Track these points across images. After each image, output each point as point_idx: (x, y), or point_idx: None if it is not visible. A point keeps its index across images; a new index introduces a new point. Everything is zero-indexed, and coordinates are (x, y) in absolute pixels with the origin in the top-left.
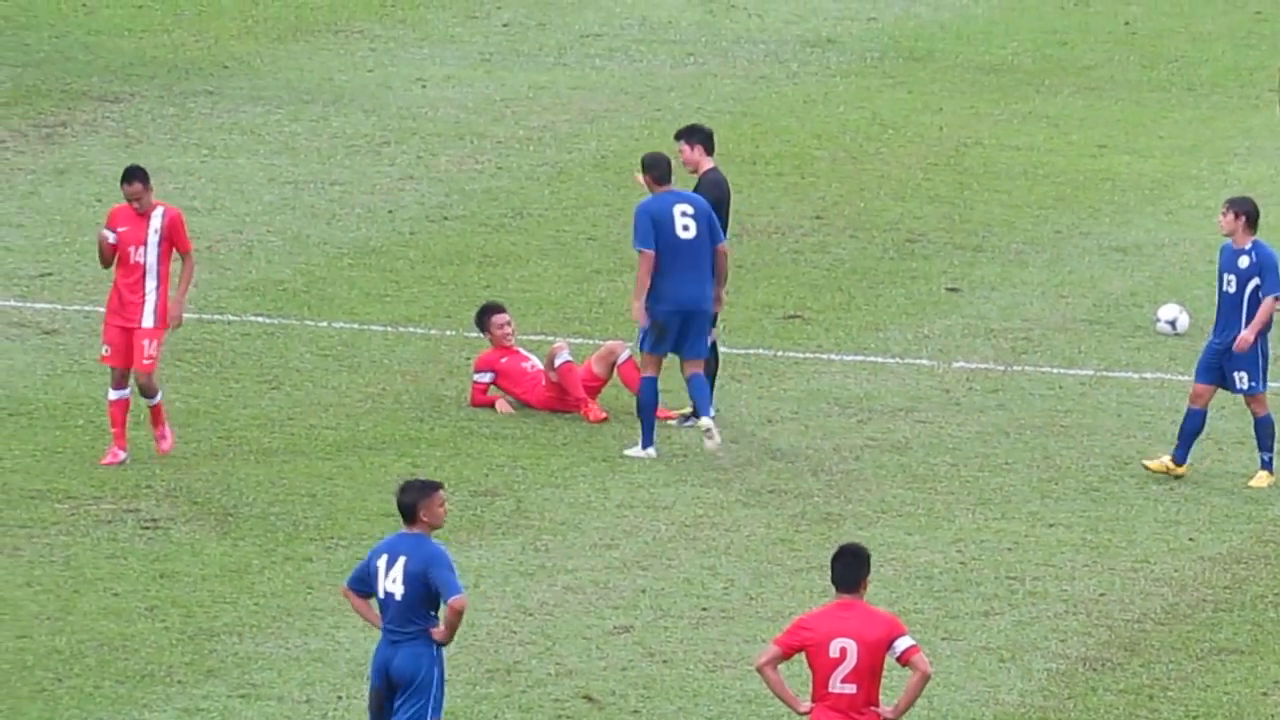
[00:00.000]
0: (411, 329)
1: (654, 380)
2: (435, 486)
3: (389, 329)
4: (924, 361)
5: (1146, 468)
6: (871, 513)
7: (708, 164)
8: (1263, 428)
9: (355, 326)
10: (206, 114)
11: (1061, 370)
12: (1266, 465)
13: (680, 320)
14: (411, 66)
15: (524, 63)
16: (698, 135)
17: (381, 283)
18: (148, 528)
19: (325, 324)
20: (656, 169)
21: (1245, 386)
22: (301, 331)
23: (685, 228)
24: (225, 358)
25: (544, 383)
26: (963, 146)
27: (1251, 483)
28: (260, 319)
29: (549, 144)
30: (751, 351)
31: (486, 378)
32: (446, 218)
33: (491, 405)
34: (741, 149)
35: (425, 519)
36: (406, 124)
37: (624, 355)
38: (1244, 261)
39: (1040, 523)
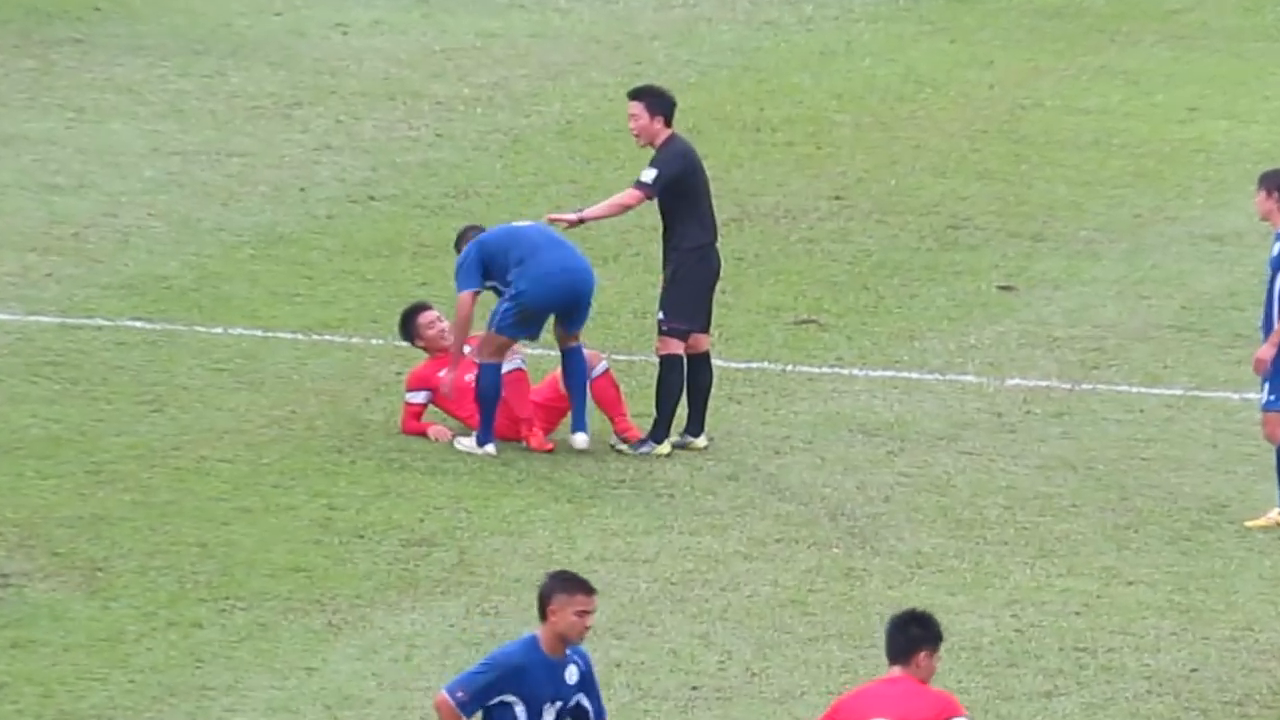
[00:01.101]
0: (329, 337)
1: (498, 368)
2: (577, 587)
3: (300, 336)
4: (970, 378)
5: (1250, 528)
6: (905, 568)
7: (665, 135)
8: None
9: (258, 333)
10: (74, 68)
11: (1142, 389)
12: None
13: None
14: (330, 9)
15: (470, 5)
16: (662, 103)
17: (291, 279)
18: None
19: (220, 330)
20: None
21: (1264, 400)
22: (191, 340)
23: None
24: (95, 372)
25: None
26: (1019, 109)
27: (1251, 523)
28: (139, 324)
29: (501, 106)
30: (754, 365)
31: (421, 398)
32: (373, 198)
33: (426, 432)
34: (742, 112)
35: (553, 619)
36: (323, 80)
37: (600, 368)
38: (1276, 249)
39: (1116, 580)
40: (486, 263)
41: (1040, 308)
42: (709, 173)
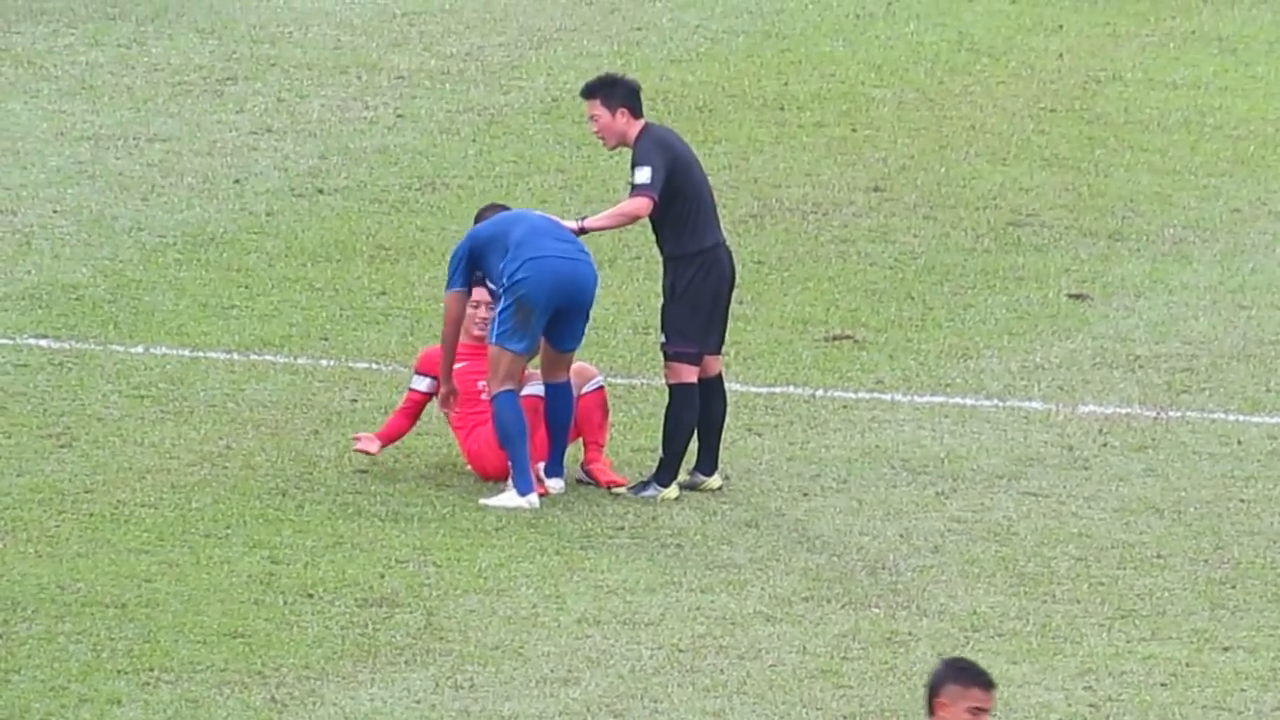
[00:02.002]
0: (270, 357)
1: (513, 396)
2: (973, 679)
3: (236, 356)
4: (1035, 404)
5: None
6: (958, 631)
7: (636, 128)
8: None
9: (185, 354)
10: None
11: (1242, 417)
12: None
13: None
14: None
15: None
16: (622, 93)
17: (225, 288)
18: None
19: (141, 349)
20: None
21: None
22: (106, 361)
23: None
24: None
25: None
26: (1094, 84)
27: None
28: (44, 342)
29: (475, 80)
30: (778, 390)
31: (425, 384)
32: (321, 191)
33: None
34: (763, 88)
35: (942, 714)
36: (262, 51)
37: (592, 384)
38: None
39: (1210, 645)
40: (477, 255)
41: (1119, 320)
42: (725, 158)
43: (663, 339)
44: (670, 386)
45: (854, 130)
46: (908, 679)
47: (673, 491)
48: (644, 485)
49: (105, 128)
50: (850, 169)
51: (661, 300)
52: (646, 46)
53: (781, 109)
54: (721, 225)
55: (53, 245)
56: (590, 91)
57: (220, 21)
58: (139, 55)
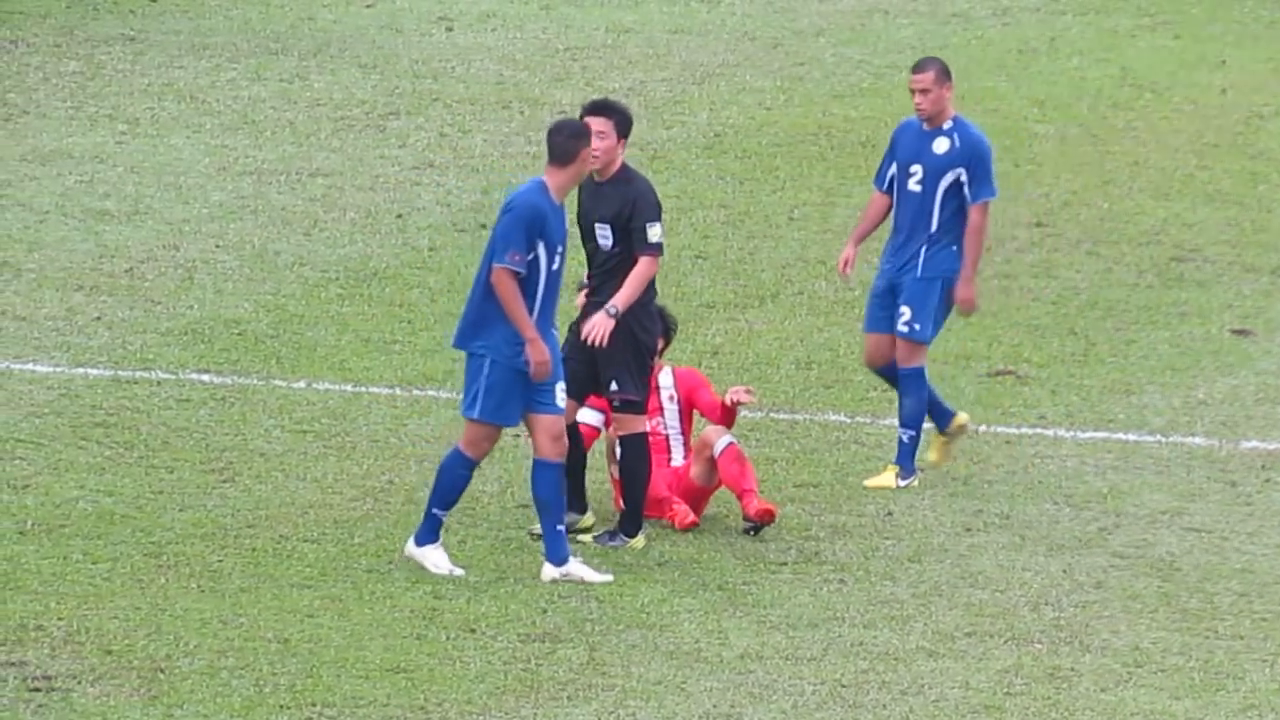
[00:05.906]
0: (432, 392)
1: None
2: None
3: (398, 391)
4: (1198, 440)
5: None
6: (1120, 667)
7: (620, 163)
8: None
9: (348, 389)
10: (125, 71)
11: None
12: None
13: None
14: (432, 1)
15: None
16: (629, 126)
17: (387, 323)
18: (38, 689)
19: (303, 384)
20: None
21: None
22: (268, 396)
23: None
24: (154, 435)
25: (681, 459)
26: (1257, 119)
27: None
28: (205, 378)
29: (638, 115)
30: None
31: (594, 418)
32: (484, 225)
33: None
34: None
35: None
36: (425, 86)
37: (722, 444)
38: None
39: None
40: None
41: None
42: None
43: (614, 388)
44: (623, 438)
45: (1017, 165)
46: (1070, 715)
47: (640, 541)
48: (610, 535)
49: (267, 163)
50: (1013, 204)
51: (607, 351)
52: (809, 82)
53: None
54: None
55: (215, 280)
56: (604, 109)
57: (382, 57)
58: (301, 90)
